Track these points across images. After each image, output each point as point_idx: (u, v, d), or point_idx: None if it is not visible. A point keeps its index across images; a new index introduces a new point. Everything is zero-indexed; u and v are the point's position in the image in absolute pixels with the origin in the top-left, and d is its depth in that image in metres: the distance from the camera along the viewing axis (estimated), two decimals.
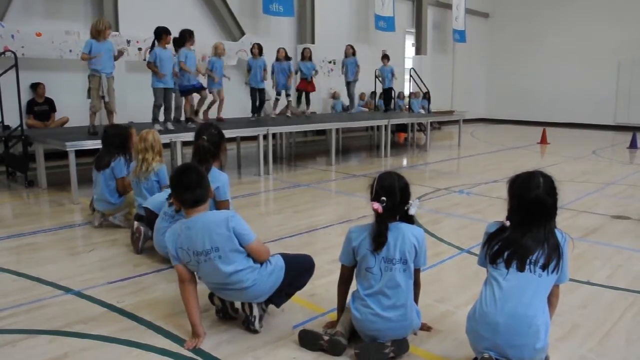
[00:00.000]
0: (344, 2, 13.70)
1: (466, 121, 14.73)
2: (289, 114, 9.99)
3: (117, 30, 9.17)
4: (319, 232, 4.89)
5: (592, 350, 2.71)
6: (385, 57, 11.98)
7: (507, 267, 2.32)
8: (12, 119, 7.14)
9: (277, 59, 9.44)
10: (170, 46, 7.14)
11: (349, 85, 11.25)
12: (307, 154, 10.59)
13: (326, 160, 9.38)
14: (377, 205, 2.52)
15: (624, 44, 15.99)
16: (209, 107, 8.65)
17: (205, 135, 3.62)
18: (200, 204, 2.76)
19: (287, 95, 9.72)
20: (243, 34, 11.01)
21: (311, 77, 10.02)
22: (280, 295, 2.88)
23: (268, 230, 4.90)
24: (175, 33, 7.27)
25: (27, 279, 3.64)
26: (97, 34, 6.42)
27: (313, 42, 12.27)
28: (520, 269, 2.29)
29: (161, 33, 6.85)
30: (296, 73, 10.03)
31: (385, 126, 9.91)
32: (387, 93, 12.00)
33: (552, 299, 2.40)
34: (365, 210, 5.64)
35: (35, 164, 6.80)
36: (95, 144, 6.35)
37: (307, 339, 2.65)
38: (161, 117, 7.22)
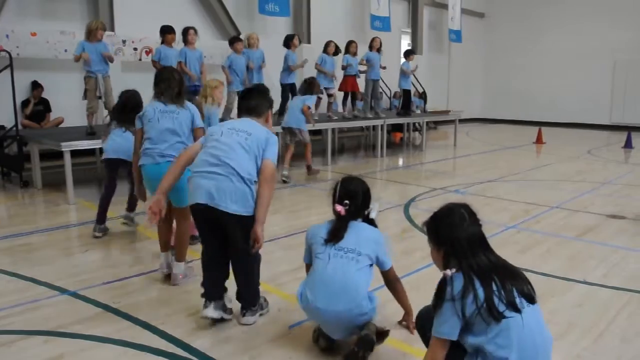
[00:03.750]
0: (339, 3, 13.69)
1: (462, 121, 14.74)
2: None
3: (112, 30, 9.14)
4: None
5: (588, 349, 2.72)
6: (411, 52, 11.22)
7: (517, 310, 1.84)
8: (7, 119, 7.12)
9: (326, 53, 9.14)
10: (175, 44, 7.15)
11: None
12: (302, 154, 10.57)
13: (322, 160, 9.38)
14: (340, 208, 2.61)
15: (620, 43, 16.04)
16: None
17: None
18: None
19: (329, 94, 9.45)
20: (239, 33, 10.99)
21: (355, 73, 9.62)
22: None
23: (265, 229, 4.89)
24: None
25: (22, 280, 3.63)
26: (88, 34, 6.43)
27: (309, 42, 12.25)
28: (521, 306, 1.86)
29: (163, 32, 6.96)
30: (343, 69, 9.65)
31: (381, 126, 9.92)
32: (406, 94, 11.30)
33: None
34: None
35: (31, 164, 6.78)
36: (91, 144, 6.35)
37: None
38: None
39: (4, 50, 7.10)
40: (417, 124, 12.88)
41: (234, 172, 2.70)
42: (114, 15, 9.20)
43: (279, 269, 3.81)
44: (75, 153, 6.13)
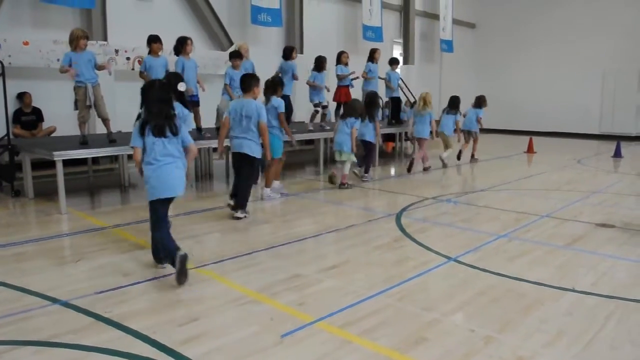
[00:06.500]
0: (332, 13, 13.81)
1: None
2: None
3: (105, 39, 9.17)
4: (307, 241, 4.90)
5: (577, 356, 2.75)
6: (394, 62, 11.63)
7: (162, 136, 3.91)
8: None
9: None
10: (162, 54, 7.12)
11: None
12: (295, 163, 10.60)
13: (315, 170, 9.41)
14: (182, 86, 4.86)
15: (608, 54, 16.27)
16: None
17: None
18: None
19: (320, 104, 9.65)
20: (232, 43, 11.04)
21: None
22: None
23: (259, 239, 4.91)
24: (165, 42, 7.27)
25: (13, 290, 3.61)
26: (70, 44, 6.38)
27: (302, 52, 12.32)
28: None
29: (150, 41, 6.91)
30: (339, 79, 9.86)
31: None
32: (394, 102, 11.56)
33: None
34: (353, 220, 5.67)
35: (22, 174, 6.75)
36: (84, 153, 6.35)
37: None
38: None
39: None
40: (409, 134, 12.94)
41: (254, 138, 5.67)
42: (106, 25, 9.23)
43: (273, 278, 3.82)
44: (67, 162, 6.12)
